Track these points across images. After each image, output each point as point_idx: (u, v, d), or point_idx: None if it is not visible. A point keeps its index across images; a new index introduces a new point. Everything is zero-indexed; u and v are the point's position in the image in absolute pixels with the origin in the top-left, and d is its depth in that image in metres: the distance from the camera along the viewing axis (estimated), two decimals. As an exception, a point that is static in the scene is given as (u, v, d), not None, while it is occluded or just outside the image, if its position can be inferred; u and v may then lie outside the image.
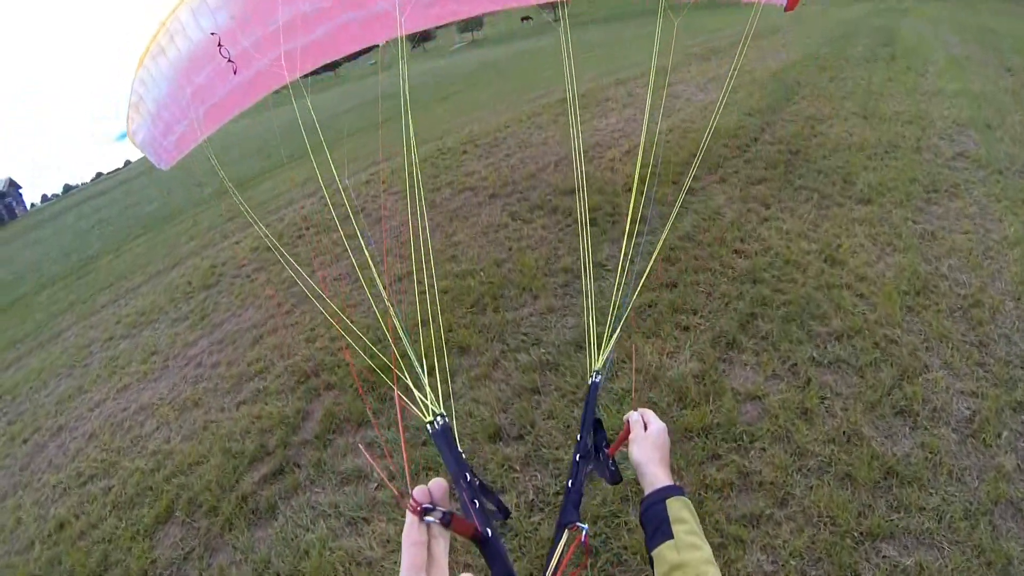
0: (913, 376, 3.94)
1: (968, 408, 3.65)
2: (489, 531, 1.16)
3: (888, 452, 3.39)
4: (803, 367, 4.16)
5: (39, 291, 16.20)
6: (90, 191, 56.40)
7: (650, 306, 5.09)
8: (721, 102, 9.07)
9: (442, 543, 0.97)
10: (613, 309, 2.14)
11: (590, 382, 1.73)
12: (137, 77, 6.49)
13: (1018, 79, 11.81)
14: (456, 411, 4.28)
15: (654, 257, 3.31)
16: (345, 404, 4.72)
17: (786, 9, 6.25)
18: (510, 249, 6.54)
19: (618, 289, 2.37)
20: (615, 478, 1.54)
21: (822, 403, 3.84)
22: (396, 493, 1.16)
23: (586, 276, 3.74)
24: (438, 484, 1.01)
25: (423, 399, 1.47)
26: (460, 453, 1.35)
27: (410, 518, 0.95)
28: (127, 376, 7.03)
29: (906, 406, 3.71)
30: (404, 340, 1.88)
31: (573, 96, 3.53)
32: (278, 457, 4.42)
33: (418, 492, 0.98)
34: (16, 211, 60.62)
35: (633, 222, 2.93)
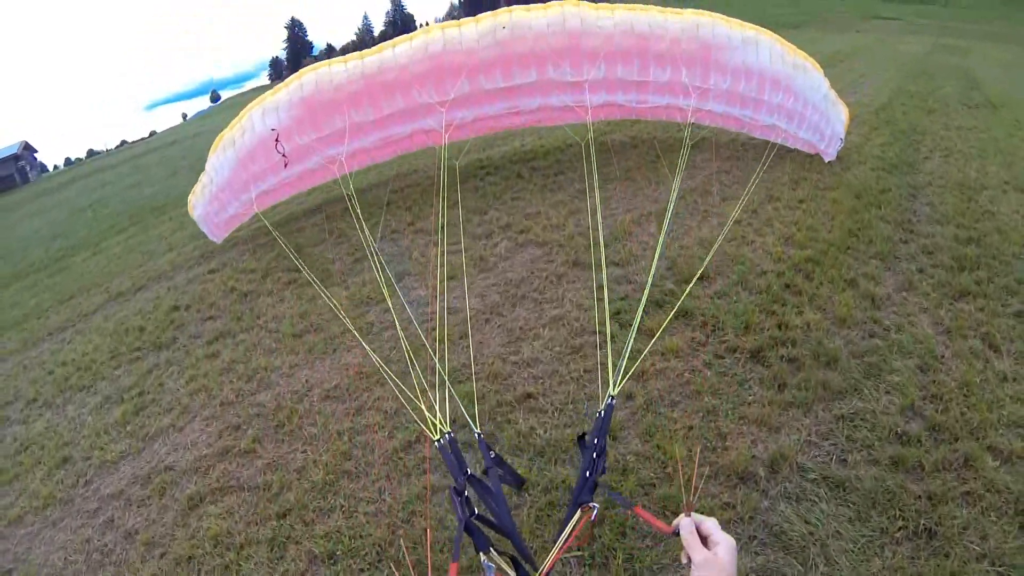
0: None
1: None
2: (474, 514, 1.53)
3: None
4: None
5: (11, 283, 14.09)
6: (103, 161, 53.48)
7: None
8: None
9: None
10: (633, 332, 2.49)
11: (606, 403, 1.86)
12: (210, 162, 7.35)
13: None
14: None
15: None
16: None
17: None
18: (631, 397, 3.74)
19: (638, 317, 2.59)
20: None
21: None
22: None
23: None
24: None
25: (433, 420, 1.78)
26: (463, 460, 1.72)
27: None
28: (25, 496, 4.54)
29: None
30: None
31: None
32: None
33: None
34: (29, 175, 57.29)
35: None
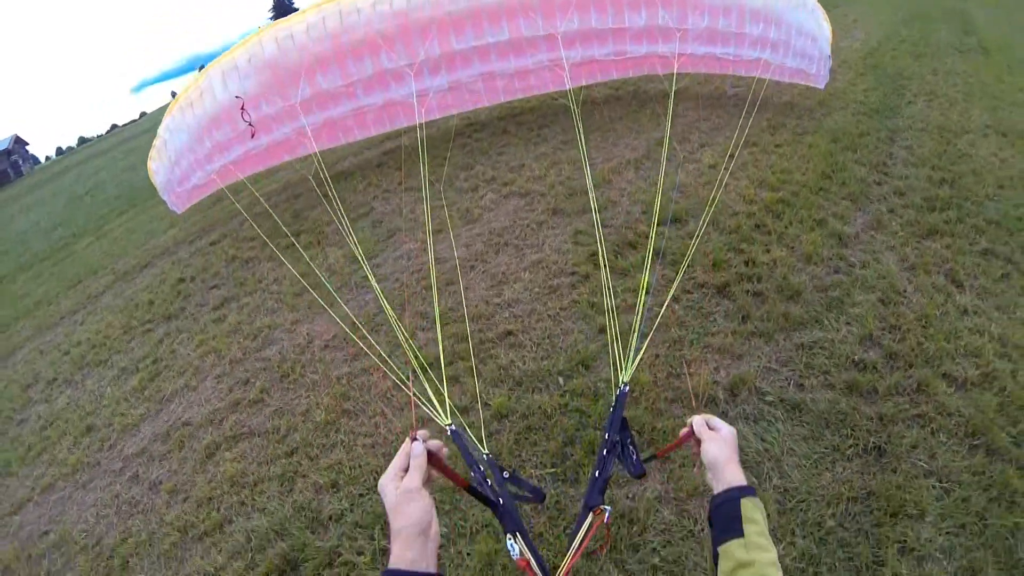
0: None
1: None
2: (500, 499, 1.40)
3: None
4: None
5: (17, 275, 14.26)
6: (97, 147, 53.24)
7: (852, 503, 2.78)
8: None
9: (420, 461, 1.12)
10: (637, 319, 2.32)
11: (618, 391, 1.74)
12: (164, 123, 6.81)
13: None
14: None
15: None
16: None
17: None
18: (601, 331, 4.06)
19: (641, 301, 2.40)
20: (639, 471, 1.56)
21: None
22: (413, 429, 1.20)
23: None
24: (431, 438, 1.21)
25: (439, 415, 1.68)
26: (469, 452, 1.52)
27: (406, 442, 1.17)
28: (55, 465, 4.87)
29: None
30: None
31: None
32: None
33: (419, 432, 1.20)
34: (22, 168, 57.12)
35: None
